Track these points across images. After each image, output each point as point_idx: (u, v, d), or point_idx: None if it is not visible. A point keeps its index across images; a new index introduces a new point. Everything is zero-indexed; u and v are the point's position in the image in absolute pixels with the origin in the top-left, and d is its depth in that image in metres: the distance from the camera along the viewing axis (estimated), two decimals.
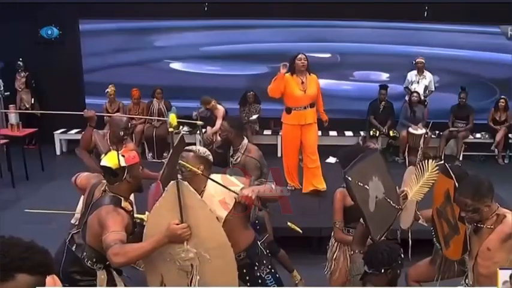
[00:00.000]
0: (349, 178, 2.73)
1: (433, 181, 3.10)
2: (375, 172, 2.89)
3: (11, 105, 7.72)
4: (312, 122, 5.59)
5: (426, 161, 3.22)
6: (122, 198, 2.78)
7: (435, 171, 3.12)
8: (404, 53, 8.41)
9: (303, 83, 5.42)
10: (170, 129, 3.30)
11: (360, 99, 8.53)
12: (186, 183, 2.60)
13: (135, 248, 2.54)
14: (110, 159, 2.77)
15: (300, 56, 5.43)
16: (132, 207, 2.89)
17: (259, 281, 3.04)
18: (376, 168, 2.95)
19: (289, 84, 5.40)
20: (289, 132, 5.60)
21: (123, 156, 2.78)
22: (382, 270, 2.60)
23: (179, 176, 2.86)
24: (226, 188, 2.76)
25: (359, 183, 2.77)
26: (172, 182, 2.55)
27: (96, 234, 2.66)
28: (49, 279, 1.78)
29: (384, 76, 8.65)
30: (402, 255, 2.69)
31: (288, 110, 5.54)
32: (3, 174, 7.21)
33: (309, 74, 5.49)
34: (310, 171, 5.64)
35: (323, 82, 8.60)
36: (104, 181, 2.86)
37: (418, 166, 3.15)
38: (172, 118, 3.38)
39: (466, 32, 8.35)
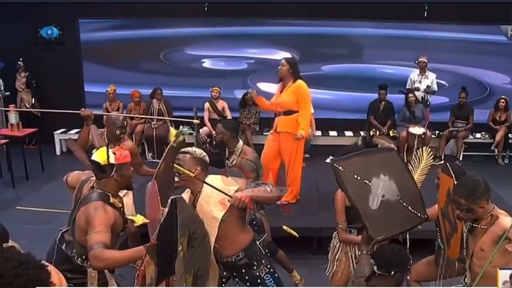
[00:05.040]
0: (340, 168, 2.72)
1: (428, 168, 3.14)
2: (384, 170, 2.86)
3: (11, 105, 7.71)
4: (283, 130, 5.25)
5: (420, 149, 3.28)
6: (110, 195, 2.77)
7: (430, 157, 3.16)
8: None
9: (281, 91, 5.25)
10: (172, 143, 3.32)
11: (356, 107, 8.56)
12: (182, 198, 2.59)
13: (115, 257, 2.55)
14: (99, 155, 2.78)
15: (281, 61, 5.23)
16: (122, 204, 2.88)
17: (258, 281, 3.04)
18: (387, 167, 2.91)
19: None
20: (269, 137, 5.51)
21: (114, 153, 2.79)
22: (392, 273, 2.57)
23: (176, 178, 2.87)
24: (220, 191, 2.76)
25: (355, 176, 2.75)
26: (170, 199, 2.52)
27: (84, 231, 2.66)
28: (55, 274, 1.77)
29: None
30: (411, 262, 2.66)
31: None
32: (3, 174, 7.21)
33: (293, 82, 5.15)
34: None
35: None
36: (93, 178, 2.86)
37: (414, 157, 3.20)
38: (172, 133, 3.41)
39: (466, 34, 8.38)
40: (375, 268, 2.61)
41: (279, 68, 5.17)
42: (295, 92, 5.16)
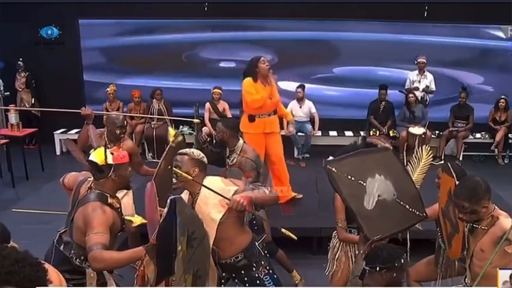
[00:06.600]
0: (333, 169, 2.71)
1: (427, 167, 3.15)
2: (380, 170, 2.85)
3: (11, 105, 7.72)
4: (274, 130, 5.22)
5: (420, 148, 3.29)
6: (108, 195, 2.77)
7: (429, 156, 3.17)
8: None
9: (267, 88, 5.06)
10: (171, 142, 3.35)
11: (358, 103, 8.57)
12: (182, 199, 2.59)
13: (114, 257, 2.54)
14: (97, 155, 2.78)
15: (263, 58, 5.03)
16: (120, 204, 2.88)
17: (258, 282, 3.03)
18: (383, 166, 2.89)
19: (256, 89, 5.01)
20: (253, 141, 4.90)
21: (112, 154, 2.78)
22: (378, 269, 2.56)
23: (174, 180, 2.86)
24: (218, 194, 2.75)
25: (348, 177, 2.74)
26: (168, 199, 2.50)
27: (82, 232, 2.66)
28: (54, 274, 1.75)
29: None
30: (402, 261, 2.62)
31: (252, 118, 5.11)
32: (3, 174, 7.21)
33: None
34: None
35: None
36: (90, 178, 2.86)
37: (414, 157, 3.21)
38: (170, 133, 3.44)
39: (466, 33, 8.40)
40: (363, 264, 2.62)
41: (268, 64, 5.02)
42: (276, 89, 5.18)
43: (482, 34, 8.37)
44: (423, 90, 8.00)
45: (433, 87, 8.05)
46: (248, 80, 5.03)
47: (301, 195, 5.47)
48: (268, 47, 8.37)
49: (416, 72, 8.05)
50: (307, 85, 8.22)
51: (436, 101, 8.41)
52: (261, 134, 5.12)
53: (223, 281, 3.14)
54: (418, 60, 8.00)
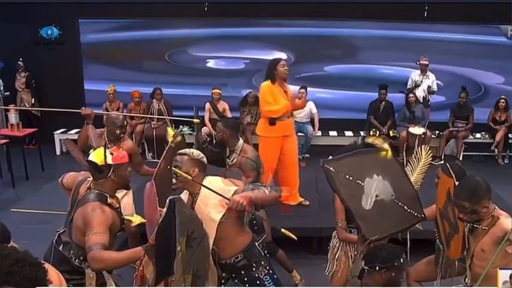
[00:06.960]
0: (331, 168, 2.70)
1: (427, 167, 3.15)
2: (378, 170, 2.84)
3: (11, 105, 7.72)
4: (292, 132, 5.26)
5: (419, 148, 3.30)
6: (108, 195, 2.77)
7: (429, 156, 3.18)
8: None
9: (286, 92, 5.07)
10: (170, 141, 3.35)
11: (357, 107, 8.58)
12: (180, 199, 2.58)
13: (113, 258, 2.54)
14: (96, 155, 2.77)
15: (283, 62, 4.99)
16: (119, 204, 2.88)
17: (257, 282, 3.03)
18: (381, 167, 2.89)
19: (273, 95, 4.97)
20: (271, 145, 5.04)
21: (111, 154, 2.78)
22: (377, 268, 2.57)
23: (174, 180, 2.86)
24: (218, 194, 2.75)
25: (346, 176, 2.74)
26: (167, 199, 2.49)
27: (82, 232, 2.66)
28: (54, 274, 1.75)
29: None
30: (402, 260, 2.63)
31: (272, 122, 5.04)
32: (3, 174, 7.21)
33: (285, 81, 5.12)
34: None
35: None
36: (90, 178, 2.86)
37: (413, 157, 3.22)
38: (169, 133, 3.45)
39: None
40: (362, 263, 2.62)
41: (287, 68, 4.99)
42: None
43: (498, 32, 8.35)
44: (427, 91, 8.00)
45: (434, 87, 8.04)
46: (266, 84, 4.99)
47: (308, 202, 5.39)
48: (272, 46, 8.42)
49: (419, 72, 8.06)
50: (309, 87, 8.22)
51: (449, 104, 8.40)
52: (280, 137, 5.10)
53: (223, 281, 3.14)
54: (420, 62, 8.01)
